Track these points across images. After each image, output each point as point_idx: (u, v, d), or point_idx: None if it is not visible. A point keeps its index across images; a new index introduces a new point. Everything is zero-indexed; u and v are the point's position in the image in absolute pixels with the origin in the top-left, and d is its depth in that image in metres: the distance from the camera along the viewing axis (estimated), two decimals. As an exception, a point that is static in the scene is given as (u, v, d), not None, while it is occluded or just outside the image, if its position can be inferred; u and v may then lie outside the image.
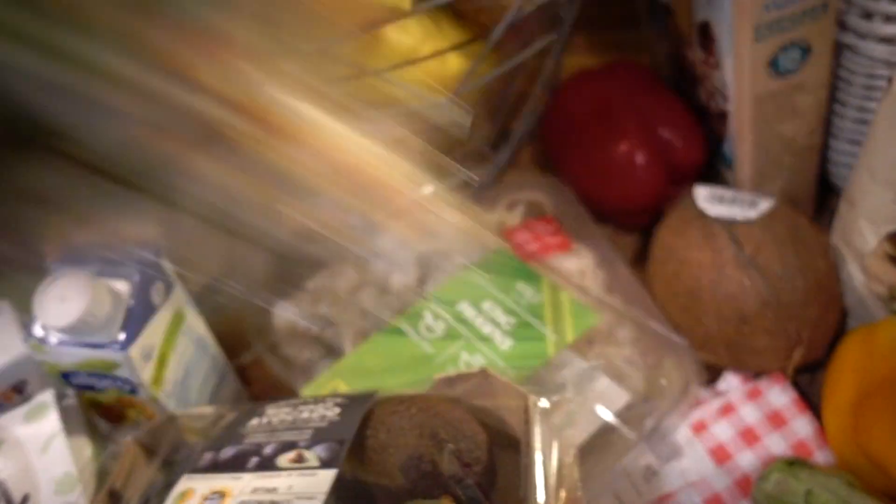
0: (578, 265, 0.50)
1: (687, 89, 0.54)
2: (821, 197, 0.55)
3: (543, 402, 0.32)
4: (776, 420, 0.42)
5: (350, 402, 0.34)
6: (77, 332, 0.36)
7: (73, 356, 0.38)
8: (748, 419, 0.42)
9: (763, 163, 0.49)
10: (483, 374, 0.34)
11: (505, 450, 0.33)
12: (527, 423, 0.31)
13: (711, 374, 0.46)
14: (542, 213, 0.54)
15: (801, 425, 0.42)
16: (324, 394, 0.38)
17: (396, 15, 0.40)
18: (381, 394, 0.35)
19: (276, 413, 0.35)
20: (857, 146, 0.50)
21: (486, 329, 0.43)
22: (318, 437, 0.32)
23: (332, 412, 0.33)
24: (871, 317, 0.44)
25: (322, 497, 0.28)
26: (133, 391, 0.39)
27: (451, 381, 0.35)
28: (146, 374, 0.39)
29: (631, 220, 0.55)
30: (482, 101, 0.55)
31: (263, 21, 0.33)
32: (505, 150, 0.58)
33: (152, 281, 0.39)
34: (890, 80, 0.37)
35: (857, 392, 0.39)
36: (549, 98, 0.58)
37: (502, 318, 0.43)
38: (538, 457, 0.30)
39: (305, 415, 0.34)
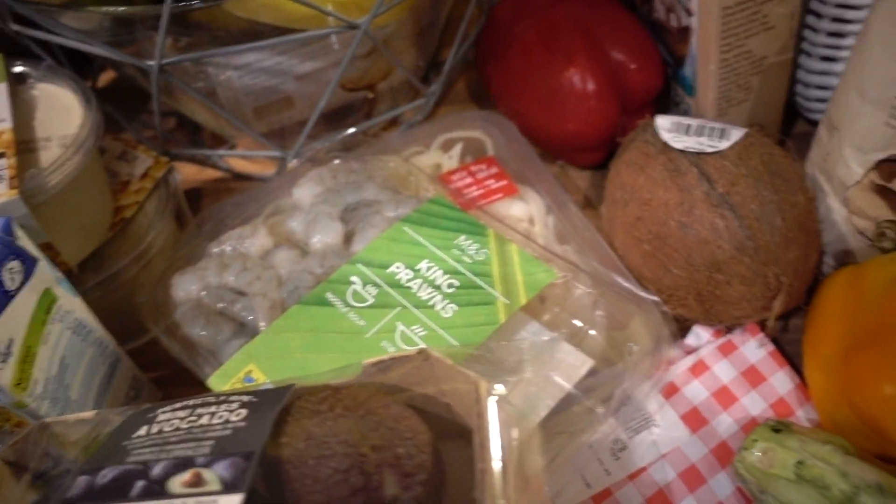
0: (526, 211, 0.44)
1: (639, 5, 0.48)
2: (786, 123, 0.50)
3: (499, 388, 0.26)
4: (753, 377, 0.38)
5: (259, 401, 0.27)
6: None
7: None
8: (723, 377, 0.38)
9: (729, 85, 0.43)
10: (423, 355, 0.28)
11: (454, 440, 0.27)
12: (479, 417, 0.25)
13: (679, 328, 0.41)
14: (482, 154, 0.48)
15: (781, 381, 0.38)
16: (233, 383, 0.31)
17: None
18: (299, 385, 0.28)
19: (170, 419, 0.28)
20: (830, 63, 0.44)
21: (425, 294, 0.37)
22: (220, 450, 0.25)
23: (237, 416, 0.27)
24: (853, 256, 0.40)
25: (223, 536, 0.22)
26: (-10, 397, 0.31)
27: (384, 366, 0.29)
28: (5, 376, 0.31)
29: (582, 158, 0.49)
30: (408, 24, 0.48)
31: None
32: (437, 82, 0.51)
33: (3, 261, 0.31)
34: (885, -20, 0.32)
35: (845, 343, 0.35)
36: (485, 20, 0.51)
37: (443, 280, 0.37)
38: (496, 455, 0.24)
39: (205, 420, 0.27)
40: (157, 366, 0.44)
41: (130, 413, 0.30)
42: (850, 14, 0.41)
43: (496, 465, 0.24)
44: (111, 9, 0.36)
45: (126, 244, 0.43)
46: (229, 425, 0.27)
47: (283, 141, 0.50)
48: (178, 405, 0.29)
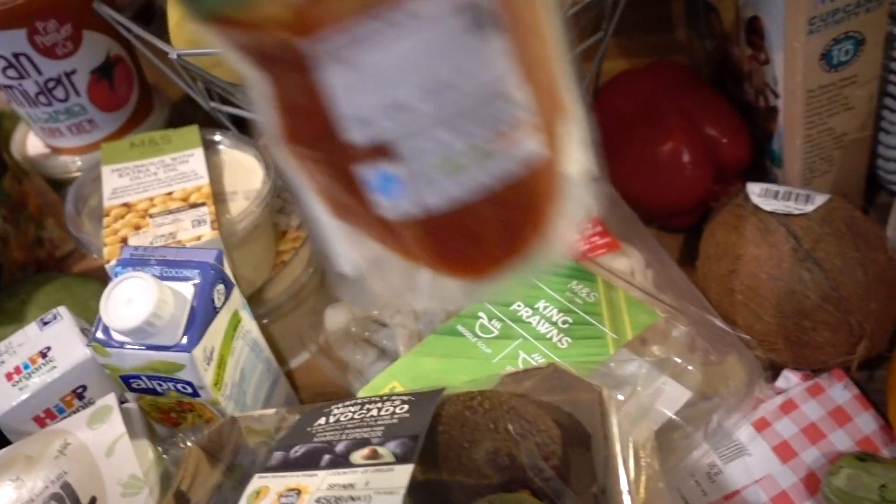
0: (628, 264, 0.50)
1: (731, 88, 0.54)
2: (869, 194, 0.54)
3: (618, 395, 0.31)
4: (840, 416, 0.42)
5: (418, 399, 0.34)
6: (142, 334, 0.37)
7: (137, 359, 0.38)
8: (811, 416, 0.42)
9: (813, 158, 0.49)
10: (552, 368, 0.34)
11: (575, 447, 0.33)
12: (603, 415, 0.31)
13: (771, 372, 0.45)
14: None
15: (866, 421, 0.42)
16: (387, 393, 0.38)
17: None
18: (448, 391, 0.35)
19: (343, 412, 0.35)
20: (908, 140, 0.49)
21: (543, 328, 0.43)
22: (391, 433, 0.32)
23: (401, 409, 0.33)
24: (933, 310, 0.44)
25: (402, 492, 0.28)
26: (194, 394, 0.39)
27: (517, 377, 0.35)
28: (208, 376, 0.39)
29: (677, 220, 0.55)
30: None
31: None
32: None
33: (214, 283, 0.39)
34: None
35: (926, 385, 0.38)
36: (593, 100, 0.58)
37: (558, 317, 0.43)
38: (618, 447, 0.30)
39: (374, 413, 0.34)
40: (300, 391, 0.51)
41: (307, 409, 0.37)
42: (925, 97, 0.46)
43: (619, 456, 0.30)
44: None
45: (283, 284, 0.51)
46: (395, 416, 0.33)
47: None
48: (348, 402, 0.36)
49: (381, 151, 0.22)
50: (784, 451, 0.41)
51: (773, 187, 0.45)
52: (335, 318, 0.47)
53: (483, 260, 0.25)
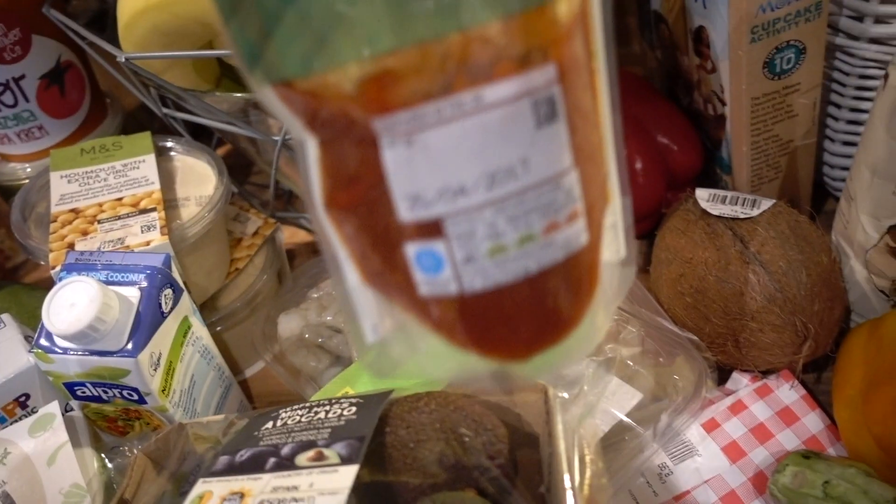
0: (582, 270, 0.50)
1: (682, 96, 0.55)
2: (816, 200, 0.56)
3: (563, 394, 0.32)
4: (787, 416, 0.43)
5: (366, 401, 0.33)
6: (85, 339, 0.36)
7: (81, 365, 0.37)
8: (759, 416, 0.42)
9: (760, 165, 0.50)
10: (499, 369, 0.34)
11: (522, 447, 0.33)
12: (548, 414, 0.31)
13: (720, 374, 0.46)
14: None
15: (813, 421, 0.42)
16: (337, 396, 0.37)
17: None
18: (396, 392, 0.35)
19: (291, 415, 0.34)
20: (851, 147, 0.51)
21: (496, 331, 0.43)
22: (337, 435, 0.31)
23: (349, 411, 0.33)
24: (875, 311, 0.45)
25: (346, 492, 0.28)
26: (141, 401, 0.38)
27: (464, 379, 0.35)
28: (155, 382, 0.38)
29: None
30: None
31: None
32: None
33: (162, 287, 0.38)
34: (885, 75, 0.38)
35: (866, 383, 0.39)
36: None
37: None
38: (562, 446, 0.30)
39: (321, 415, 0.34)
40: (255, 400, 0.50)
41: (255, 414, 0.37)
42: (865, 104, 0.48)
43: (562, 454, 0.30)
44: (252, 95, 0.44)
45: (237, 291, 0.50)
46: (343, 418, 0.33)
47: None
48: (297, 406, 0.35)
49: (429, 230, 0.21)
50: (733, 451, 0.41)
51: (720, 192, 0.46)
52: (289, 324, 0.47)
53: (515, 343, 0.24)
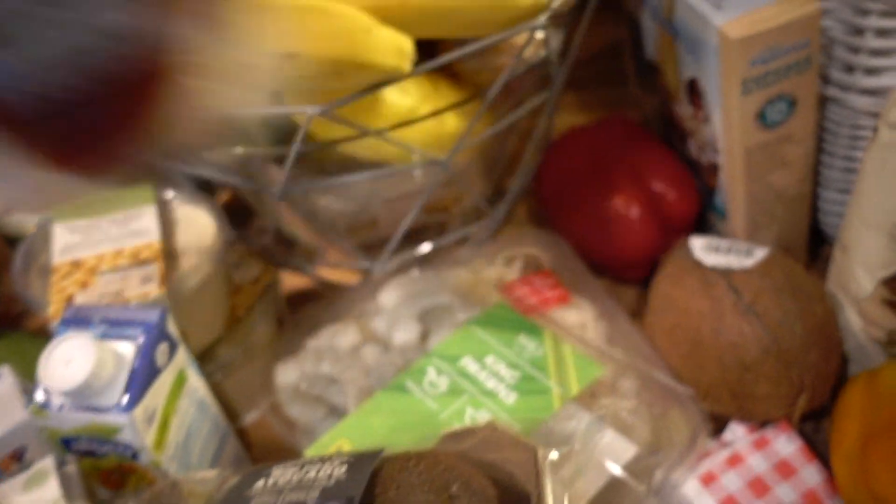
0: (579, 318, 0.51)
1: (677, 143, 0.56)
2: (813, 246, 0.56)
3: (553, 454, 0.32)
4: (785, 469, 0.42)
5: (357, 460, 0.34)
6: (80, 396, 0.36)
7: (76, 421, 0.37)
8: (757, 469, 0.42)
9: (755, 213, 0.50)
10: (490, 427, 0.34)
11: (523, 501, 0.33)
12: (537, 476, 0.31)
13: (717, 425, 0.45)
14: (540, 268, 0.55)
15: (810, 474, 0.42)
16: (329, 453, 0.38)
17: (396, 77, 0.42)
18: (388, 451, 0.35)
19: (282, 474, 0.35)
20: (845, 195, 0.51)
21: (490, 383, 0.43)
22: (326, 496, 0.32)
23: (340, 470, 0.33)
24: (872, 362, 0.44)
25: (332, 557, 0.28)
26: (134, 456, 0.38)
27: (457, 436, 0.35)
28: (148, 437, 0.38)
29: (627, 273, 0.55)
30: (479, 160, 0.57)
31: None
32: (501, 207, 0.59)
33: (157, 342, 0.39)
34: (875, 129, 0.38)
35: (863, 437, 0.39)
36: (543, 155, 0.60)
37: (506, 372, 0.43)
38: (550, 508, 0.30)
39: (312, 474, 0.34)
40: (252, 448, 0.50)
41: (249, 471, 0.37)
42: (858, 153, 0.48)
43: (551, 516, 0.30)
44: (253, 149, 0.45)
45: (236, 339, 0.51)
46: (333, 478, 0.33)
47: (367, 254, 0.58)
48: (289, 464, 0.35)
49: None
50: (730, 506, 0.41)
51: (714, 241, 0.46)
52: (285, 375, 0.47)
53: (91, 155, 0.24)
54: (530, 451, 0.32)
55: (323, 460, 0.35)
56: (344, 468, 0.33)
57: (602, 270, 0.57)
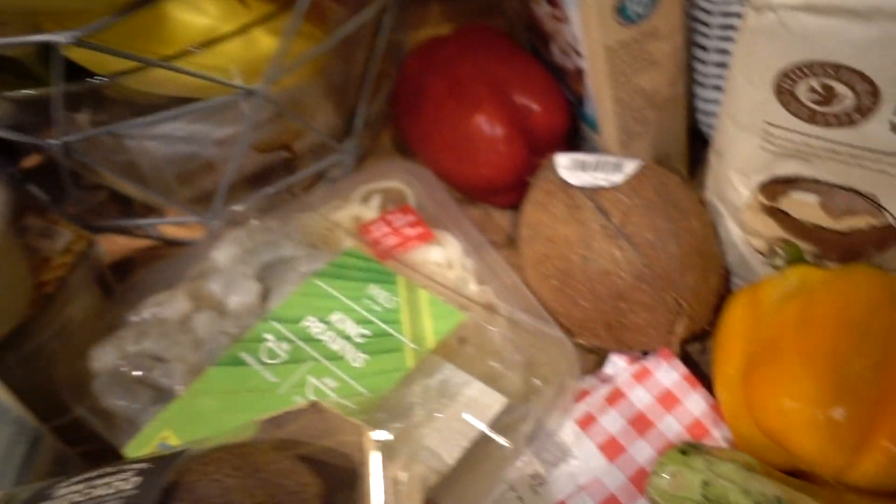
0: (444, 256, 0.45)
1: (542, 51, 0.50)
2: (696, 152, 0.51)
3: (382, 435, 0.26)
4: (668, 400, 0.39)
5: (153, 468, 0.28)
6: None
7: None
8: (638, 404, 0.38)
9: (627, 120, 0.45)
10: (314, 408, 0.28)
11: (344, 492, 0.28)
12: (362, 465, 0.26)
13: (598, 358, 0.41)
14: (404, 203, 0.49)
15: (695, 402, 0.39)
16: (128, 459, 0.31)
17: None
18: (194, 448, 0.29)
19: (66, 493, 0.28)
20: (722, 92, 0.46)
21: (336, 345, 0.37)
22: (109, 519, 0.26)
23: (131, 484, 0.27)
24: (754, 275, 0.41)
25: None
26: None
27: (278, 422, 0.29)
28: None
29: (498, 200, 0.50)
30: (318, 85, 0.49)
31: None
32: (353, 139, 0.53)
33: None
34: (743, 17, 0.33)
35: (745, 360, 0.35)
36: (397, 74, 0.53)
37: (353, 331, 0.38)
38: (372, 489, 0.25)
39: (100, 491, 0.27)
40: (87, 440, 0.43)
41: (36, 489, 0.30)
42: (732, 45, 0.43)
43: (371, 495, 0.25)
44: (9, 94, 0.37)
45: (47, 319, 0.43)
46: (122, 495, 0.27)
47: (210, 205, 0.51)
48: (76, 479, 0.29)
49: None
50: (611, 449, 0.37)
51: (580, 157, 0.41)
52: (102, 358, 0.40)
53: None
54: (358, 431, 0.27)
55: (116, 471, 0.28)
56: (136, 480, 0.27)
57: (474, 198, 0.52)
